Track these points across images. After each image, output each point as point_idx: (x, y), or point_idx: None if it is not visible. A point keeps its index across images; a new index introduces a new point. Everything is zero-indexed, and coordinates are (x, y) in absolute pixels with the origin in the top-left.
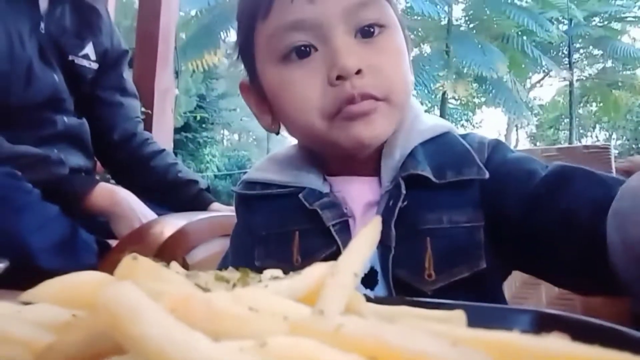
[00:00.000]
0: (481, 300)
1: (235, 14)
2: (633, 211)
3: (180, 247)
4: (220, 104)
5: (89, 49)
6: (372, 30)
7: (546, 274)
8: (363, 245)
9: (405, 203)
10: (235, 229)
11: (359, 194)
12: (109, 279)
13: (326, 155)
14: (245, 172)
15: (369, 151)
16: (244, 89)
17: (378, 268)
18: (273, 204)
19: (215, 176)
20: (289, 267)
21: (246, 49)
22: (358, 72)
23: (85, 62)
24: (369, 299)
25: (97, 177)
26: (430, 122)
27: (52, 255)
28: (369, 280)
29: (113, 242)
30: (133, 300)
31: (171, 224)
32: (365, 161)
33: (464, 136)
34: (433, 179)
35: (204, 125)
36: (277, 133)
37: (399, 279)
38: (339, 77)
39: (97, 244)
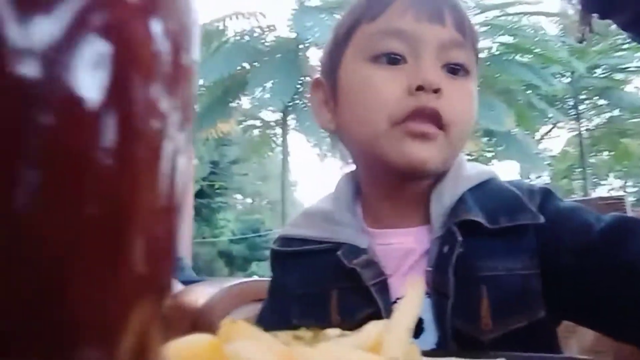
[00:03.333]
0: (538, 349)
1: (245, 83)
2: None
3: (214, 315)
4: (232, 169)
5: None
6: (457, 70)
7: (605, 326)
8: (413, 303)
9: (461, 250)
10: (271, 285)
11: (402, 247)
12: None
13: (370, 190)
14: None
15: (411, 178)
16: (315, 85)
17: (426, 316)
18: (309, 261)
19: (230, 241)
20: (328, 326)
21: (341, 43)
22: (437, 91)
23: None
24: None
25: None
26: (475, 169)
27: None
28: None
29: None
30: (259, 354)
31: (204, 292)
32: (410, 207)
33: (509, 183)
34: (486, 224)
35: (218, 191)
36: (332, 132)
37: (454, 328)
38: (419, 89)
39: None
